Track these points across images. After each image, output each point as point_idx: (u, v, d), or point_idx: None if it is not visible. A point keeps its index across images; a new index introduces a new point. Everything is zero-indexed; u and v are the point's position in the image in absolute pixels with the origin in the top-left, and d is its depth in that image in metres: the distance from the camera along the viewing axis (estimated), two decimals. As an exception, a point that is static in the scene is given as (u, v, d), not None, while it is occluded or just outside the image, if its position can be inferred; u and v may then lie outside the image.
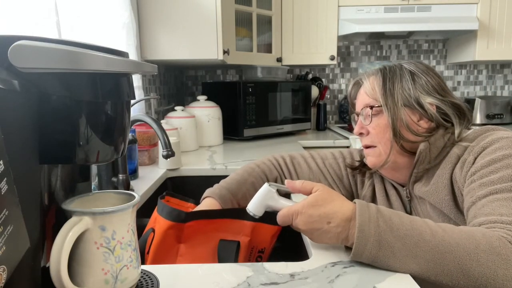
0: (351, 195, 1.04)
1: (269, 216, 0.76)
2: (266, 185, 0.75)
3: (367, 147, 0.90)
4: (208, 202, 0.91)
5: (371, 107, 0.87)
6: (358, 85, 0.96)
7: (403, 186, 0.92)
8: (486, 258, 0.58)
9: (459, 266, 0.58)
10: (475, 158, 0.76)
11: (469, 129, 0.86)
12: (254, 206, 0.74)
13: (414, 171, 0.85)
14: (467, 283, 0.58)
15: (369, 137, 0.89)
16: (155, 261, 0.78)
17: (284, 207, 0.71)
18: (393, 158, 0.86)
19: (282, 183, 1.04)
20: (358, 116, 0.92)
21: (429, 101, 0.84)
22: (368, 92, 0.89)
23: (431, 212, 0.84)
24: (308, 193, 0.71)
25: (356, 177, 1.03)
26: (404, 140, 0.84)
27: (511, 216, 0.63)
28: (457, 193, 0.78)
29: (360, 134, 0.91)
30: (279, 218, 0.71)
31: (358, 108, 0.92)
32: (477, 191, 0.71)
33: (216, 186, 0.96)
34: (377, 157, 0.88)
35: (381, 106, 0.85)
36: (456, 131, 0.83)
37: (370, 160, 0.90)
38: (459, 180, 0.77)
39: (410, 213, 0.91)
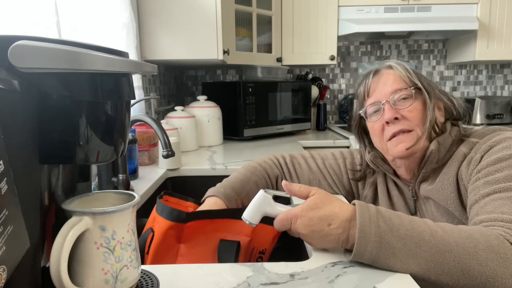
0: (352, 196, 1.04)
1: (270, 217, 0.76)
2: (261, 191, 0.73)
3: (400, 132, 0.85)
4: (213, 201, 0.91)
5: (414, 88, 0.85)
6: (378, 73, 0.92)
7: (407, 186, 0.92)
8: (485, 257, 0.58)
9: (459, 265, 0.58)
10: (482, 156, 0.76)
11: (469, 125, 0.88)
12: (250, 214, 0.72)
13: (422, 171, 0.85)
14: (466, 282, 0.58)
15: (405, 122, 0.84)
16: (155, 261, 0.78)
17: (281, 213, 0.70)
18: (423, 144, 0.84)
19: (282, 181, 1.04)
20: (383, 104, 0.87)
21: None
22: (403, 76, 0.87)
23: (435, 211, 0.84)
24: (305, 197, 0.71)
25: (357, 177, 1.02)
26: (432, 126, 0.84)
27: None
28: (462, 191, 0.79)
29: (395, 119, 0.85)
30: (277, 223, 0.70)
31: (385, 94, 0.87)
32: (481, 189, 0.72)
33: (219, 185, 0.95)
34: (413, 142, 0.83)
35: (421, 88, 0.85)
36: (462, 125, 0.85)
37: (403, 146, 0.84)
38: (465, 178, 0.78)
39: (415, 213, 0.91)
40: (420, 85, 0.85)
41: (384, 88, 0.88)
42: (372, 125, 0.90)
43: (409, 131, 0.84)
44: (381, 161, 0.94)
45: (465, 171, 0.78)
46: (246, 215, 0.73)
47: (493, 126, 0.84)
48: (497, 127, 0.83)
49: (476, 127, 0.84)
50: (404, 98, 0.85)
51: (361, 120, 0.96)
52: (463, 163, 0.79)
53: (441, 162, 0.84)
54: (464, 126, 0.87)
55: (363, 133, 0.98)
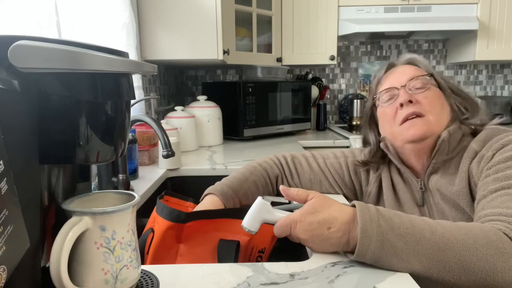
0: (354, 194, 1.04)
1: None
2: (259, 198, 0.73)
3: (414, 115, 0.85)
4: (210, 199, 0.91)
5: (430, 76, 0.89)
6: (395, 67, 0.96)
7: (416, 177, 0.91)
8: (485, 253, 0.59)
9: (460, 262, 0.59)
10: (494, 154, 0.77)
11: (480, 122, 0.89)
12: (249, 222, 0.72)
13: (432, 161, 0.86)
14: (467, 278, 0.59)
15: (419, 106, 0.85)
16: (155, 261, 0.78)
17: (280, 219, 0.70)
18: (435, 130, 0.85)
19: (283, 182, 1.04)
20: (398, 89, 0.89)
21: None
22: (420, 66, 0.92)
23: (443, 204, 0.85)
24: (303, 201, 0.71)
25: (359, 174, 1.02)
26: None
27: None
28: (472, 187, 0.80)
29: (409, 102, 0.86)
30: (277, 229, 0.70)
31: (400, 81, 0.90)
32: (490, 185, 0.72)
33: (217, 183, 0.96)
34: (427, 126, 0.84)
35: (436, 78, 0.89)
36: (471, 121, 0.87)
37: (417, 129, 0.84)
38: (475, 175, 0.79)
39: (422, 205, 0.91)
40: (435, 75, 0.90)
41: (400, 76, 0.91)
42: (384, 109, 0.92)
43: (422, 116, 0.85)
44: (392, 150, 0.94)
45: (475, 168, 0.79)
46: (245, 223, 0.73)
47: (503, 126, 0.86)
48: (506, 128, 0.84)
49: (488, 128, 0.85)
50: (419, 88, 0.88)
51: (373, 110, 0.98)
52: (474, 160, 0.81)
53: (451, 155, 0.85)
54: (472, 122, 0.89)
55: (373, 124, 0.99)
